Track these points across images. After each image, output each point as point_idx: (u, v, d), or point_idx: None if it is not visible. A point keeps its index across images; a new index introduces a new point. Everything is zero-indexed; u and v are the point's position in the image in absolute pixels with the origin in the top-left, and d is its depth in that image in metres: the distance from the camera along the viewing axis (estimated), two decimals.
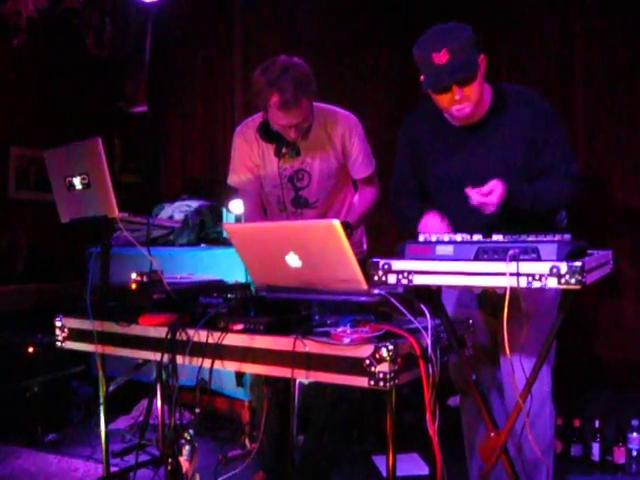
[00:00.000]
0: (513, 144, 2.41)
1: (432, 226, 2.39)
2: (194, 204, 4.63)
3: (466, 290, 2.43)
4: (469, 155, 2.47)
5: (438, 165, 2.54)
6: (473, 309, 2.58)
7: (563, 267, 1.71)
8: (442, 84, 2.29)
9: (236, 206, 4.15)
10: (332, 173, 2.99)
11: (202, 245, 4.40)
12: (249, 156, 3.02)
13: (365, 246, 3.21)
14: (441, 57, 2.23)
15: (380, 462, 3.58)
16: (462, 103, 2.32)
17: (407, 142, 2.65)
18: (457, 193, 2.33)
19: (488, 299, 2.50)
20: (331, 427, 2.99)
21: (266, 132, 2.91)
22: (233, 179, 3.10)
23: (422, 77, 2.32)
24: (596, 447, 3.51)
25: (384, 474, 3.41)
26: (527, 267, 1.76)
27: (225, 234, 4.23)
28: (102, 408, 2.79)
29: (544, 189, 2.40)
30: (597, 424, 3.52)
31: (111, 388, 2.78)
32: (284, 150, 2.92)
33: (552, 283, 1.73)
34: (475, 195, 2.22)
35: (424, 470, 3.36)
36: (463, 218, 2.37)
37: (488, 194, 2.21)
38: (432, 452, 2.06)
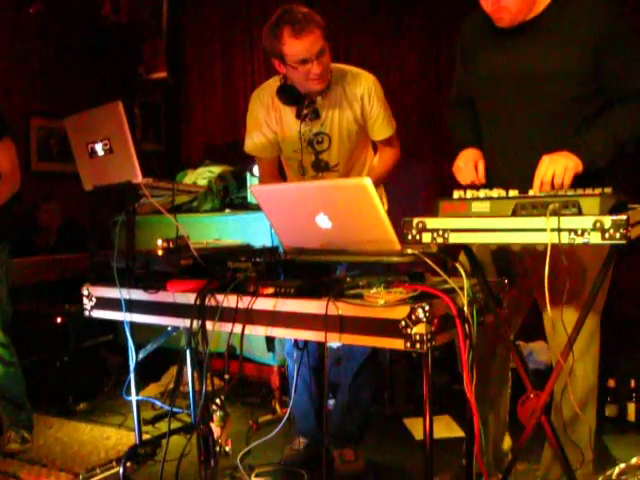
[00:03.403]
0: (572, 45, 2.09)
1: (464, 166, 2.28)
2: (217, 170, 4.57)
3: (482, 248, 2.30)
4: (517, 54, 2.19)
5: (483, 62, 2.29)
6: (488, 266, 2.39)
7: (607, 221, 1.63)
8: None
9: None
10: (352, 135, 2.91)
11: (227, 211, 4.36)
12: (265, 121, 2.92)
13: (386, 206, 3.13)
14: None
15: (411, 425, 3.56)
16: (499, 14, 2.08)
17: (462, 40, 2.41)
18: (498, 98, 2.21)
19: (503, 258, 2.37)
20: (360, 390, 2.97)
21: (285, 94, 2.81)
22: (248, 145, 3.00)
23: None
24: (631, 407, 3.46)
25: (415, 436, 3.39)
26: (568, 222, 1.68)
27: (250, 199, 4.18)
28: (132, 376, 2.78)
29: (620, 125, 2.10)
30: (633, 384, 3.47)
31: (140, 356, 2.76)
32: (304, 112, 2.83)
33: (595, 238, 1.65)
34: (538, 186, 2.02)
35: (457, 432, 3.33)
36: (504, 135, 2.26)
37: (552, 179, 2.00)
38: (468, 414, 2.02)
